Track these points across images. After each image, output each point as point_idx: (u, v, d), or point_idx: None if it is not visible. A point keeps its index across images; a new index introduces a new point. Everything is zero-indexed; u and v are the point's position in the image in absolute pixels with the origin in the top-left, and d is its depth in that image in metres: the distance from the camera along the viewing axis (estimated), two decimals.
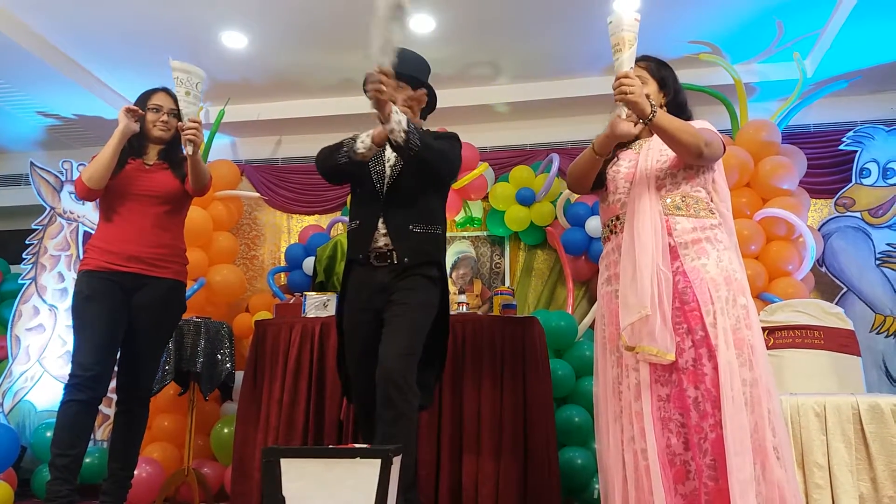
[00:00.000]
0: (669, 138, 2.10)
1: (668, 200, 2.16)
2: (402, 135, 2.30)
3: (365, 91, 2.29)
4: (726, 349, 1.98)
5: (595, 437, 2.31)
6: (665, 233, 2.12)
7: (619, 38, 2.06)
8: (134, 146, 2.87)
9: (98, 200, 2.86)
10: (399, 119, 2.30)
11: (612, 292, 2.23)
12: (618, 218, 2.25)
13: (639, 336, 2.04)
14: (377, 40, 2.21)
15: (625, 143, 2.31)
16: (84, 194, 2.75)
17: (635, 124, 2.14)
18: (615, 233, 2.25)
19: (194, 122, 2.71)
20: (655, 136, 2.21)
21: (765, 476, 1.91)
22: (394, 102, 2.44)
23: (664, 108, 2.30)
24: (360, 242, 2.57)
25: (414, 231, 2.50)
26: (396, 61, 2.25)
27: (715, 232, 2.15)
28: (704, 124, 2.22)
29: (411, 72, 2.63)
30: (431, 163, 2.44)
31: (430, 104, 2.76)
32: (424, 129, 2.68)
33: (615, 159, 2.33)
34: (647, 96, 2.07)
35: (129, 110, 2.75)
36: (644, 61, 2.35)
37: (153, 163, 2.88)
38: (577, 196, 4.77)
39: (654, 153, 2.23)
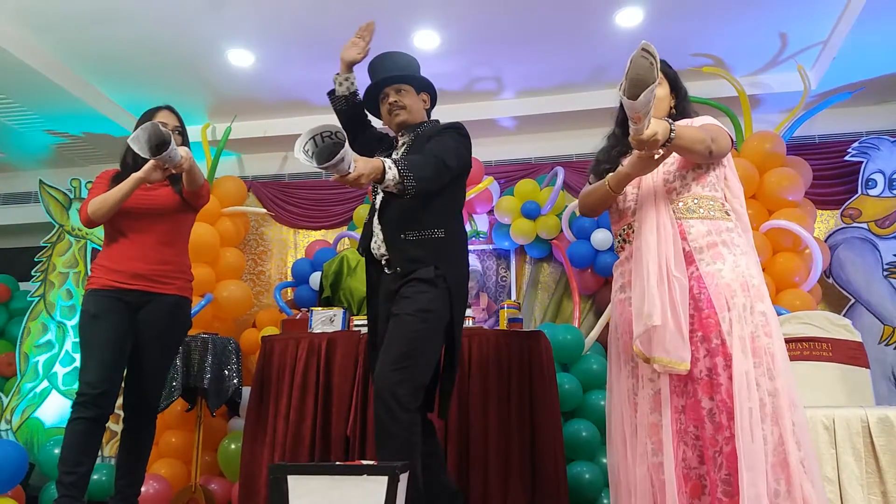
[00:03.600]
0: (684, 151, 2.03)
1: (681, 204, 2.11)
2: (399, 186, 2.21)
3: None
4: (743, 358, 1.91)
5: (606, 450, 2.26)
6: (678, 238, 2.06)
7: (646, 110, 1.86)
8: (138, 165, 2.89)
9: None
10: (392, 176, 2.18)
11: (625, 300, 2.18)
12: (629, 226, 2.20)
13: (653, 346, 1.99)
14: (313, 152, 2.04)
15: (628, 150, 2.27)
16: (86, 223, 2.78)
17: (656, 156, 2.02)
18: (628, 241, 2.20)
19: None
20: None
21: (791, 492, 1.84)
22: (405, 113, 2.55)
23: (673, 109, 2.27)
24: (362, 240, 2.59)
25: (407, 239, 2.43)
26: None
27: (732, 235, 2.08)
28: (707, 119, 2.18)
29: (411, 74, 2.66)
30: (434, 186, 2.34)
31: (433, 99, 2.76)
32: (431, 120, 2.69)
33: (621, 167, 2.26)
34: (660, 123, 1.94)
35: (159, 168, 2.70)
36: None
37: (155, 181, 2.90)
38: None
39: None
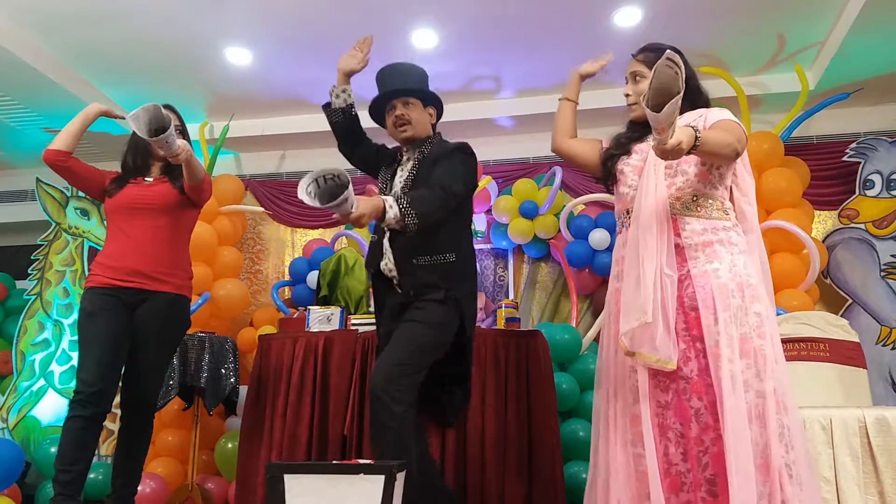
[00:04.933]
0: (709, 156, 1.99)
1: (679, 199, 2.08)
2: (401, 224, 2.21)
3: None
4: (729, 361, 1.89)
5: (591, 436, 2.24)
6: (672, 233, 2.04)
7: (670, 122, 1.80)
8: (138, 165, 2.92)
9: (105, 220, 2.90)
10: (393, 215, 2.18)
11: (618, 289, 2.16)
12: (628, 212, 2.18)
13: (640, 342, 1.98)
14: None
15: (639, 136, 2.25)
16: (46, 157, 2.81)
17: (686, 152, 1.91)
18: (626, 227, 2.18)
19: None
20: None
21: (772, 495, 1.83)
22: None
23: None
24: (372, 259, 2.61)
25: (419, 264, 2.46)
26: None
27: (729, 234, 2.05)
28: (722, 115, 2.12)
29: (419, 87, 2.65)
30: (436, 221, 2.34)
31: (439, 112, 2.75)
32: (437, 137, 2.68)
33: (629, 153, 2.25)
34: (689, 129, 1.85)
35: (107, 114, 2.92)
36: (643, 53, 2.26)
37: (154, 178, 2.92)
38: (580, 209, 4.78)
39: None
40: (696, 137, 1.84)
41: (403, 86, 2.62)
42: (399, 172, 2.63)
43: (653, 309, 1.95)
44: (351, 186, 2.02)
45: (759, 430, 1.87)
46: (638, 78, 2.25)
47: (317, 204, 2.00)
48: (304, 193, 2.00)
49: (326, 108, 2.71)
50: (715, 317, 1.94)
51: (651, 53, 2.22)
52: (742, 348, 1.92)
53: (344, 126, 2.68)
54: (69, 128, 2.85)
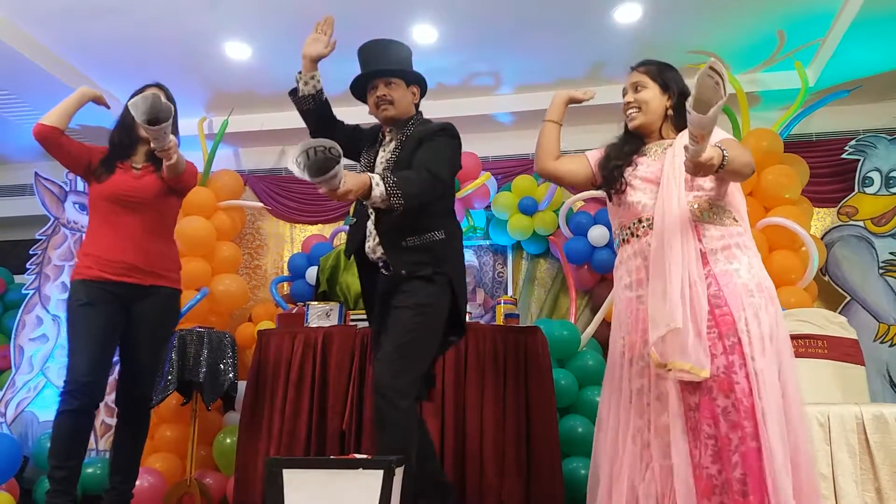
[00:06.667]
0: (732, 175, 2.03)
1: (696, 207, 2.11)
2: (386, 203, 2.22)
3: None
4: (753, 360, 1.92)
5: (593, 443, 2.25)
6: (696, 239, 2.07)
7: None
8: (124, 143, 2.88)
9: (88, 208, 2.87)
10: (379, 193, 2.19)
11: (633, 298, 2.16)
12: (640, 221, 2.17)
13: (671, 352, 1.97)
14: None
15: (636, 148, 2.28)
16: (37, 133, 2.78)
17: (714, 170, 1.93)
18: (636, 236, 2.18)
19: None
20: (677, 138, 2.17)
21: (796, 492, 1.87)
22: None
23: (670, 110, 2.25)
24: (352, 243, 2.58)
25: (409, 245, 2.43)
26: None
27: (743, 238, 2.11)
28: (721, 134, 2.15)
29: (402, 67, 2.59)
30: (422, 202, 2.34)
31: (423, 91, 2.70)
32: (421, 118, 2.63)
33: (633, 165, 2.24)
34: (716, 150, 1.88)
35: (97, 100, 2.92)
36: (643, 66, 2.30)
37: (141, 166, 2.86)
38: (579, 205, 4.78)
39: (681, 159, 2.06)
40: (724, 157, 1.89)
41: (386, 65, 2.56)
42: (381, 153, 2.59)
43: (682, 316, 1.96)
44: (342, 161, 2.00)
45: (781, 427, 1.90)
46: (639, 88, 2.27)
47: (305, 176, 1.97)
48: (294, 164, 1.98)
49: (293, 95, 2.63)
50: (738, 315, 1.98)
51: (653, 66, 2.29)
52: (763, 347, 1.95)
53: (316, 113, 2.62)
54: (63, 106, 2.82)
